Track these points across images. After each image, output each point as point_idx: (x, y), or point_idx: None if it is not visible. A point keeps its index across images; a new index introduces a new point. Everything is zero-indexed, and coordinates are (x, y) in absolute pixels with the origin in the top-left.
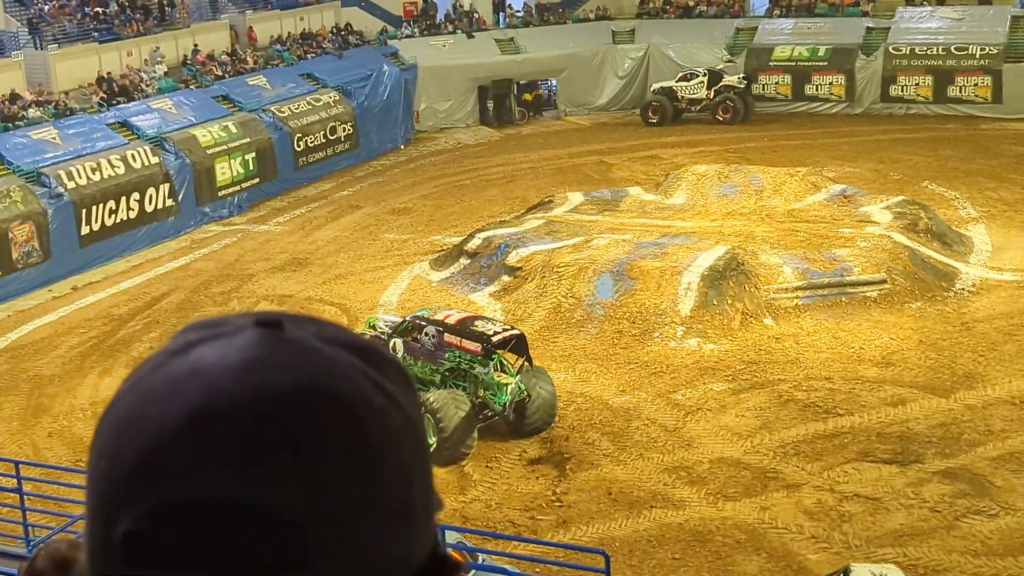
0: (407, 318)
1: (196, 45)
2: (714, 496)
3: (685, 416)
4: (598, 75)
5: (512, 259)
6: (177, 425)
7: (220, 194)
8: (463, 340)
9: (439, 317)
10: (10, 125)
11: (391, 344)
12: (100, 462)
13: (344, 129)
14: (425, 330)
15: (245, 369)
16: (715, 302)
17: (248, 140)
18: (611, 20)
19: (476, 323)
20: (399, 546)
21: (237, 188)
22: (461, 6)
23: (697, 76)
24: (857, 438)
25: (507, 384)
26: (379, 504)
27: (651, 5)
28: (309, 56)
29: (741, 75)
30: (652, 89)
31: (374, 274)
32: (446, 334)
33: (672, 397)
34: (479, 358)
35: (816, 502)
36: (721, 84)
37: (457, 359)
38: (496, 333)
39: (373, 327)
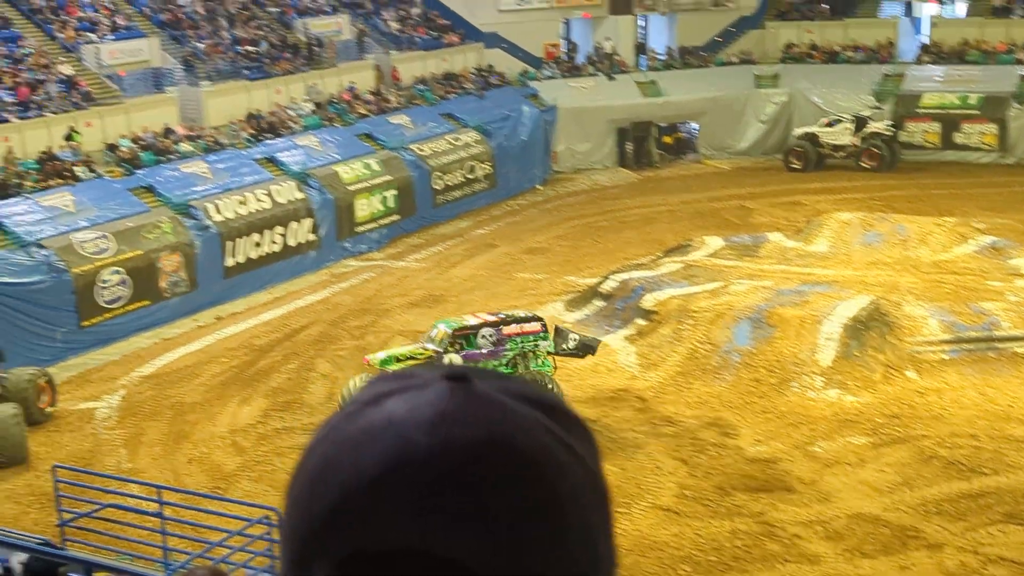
0: (431, 336)
1: (352, 83)
2: (851, 553)
3: (823, 469)
4: (740, 119)
5: (648, 303)
6: (370, 475)
7: (360, 230)
8: (523, 326)
9: (476, 322)
10: (163, 158)
11: (447, 359)
12: (296, 509)
13: (482, 168)
14: (481, 333)
15: (435, 422)
16: (856, 353)
17: (389, 177)
18: (754, 64)
19: (515, 313)
20: None
21: (376, 224)
22: (602, 48)
23: (842, 122)
24: (1003, 499)
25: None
26: (564, 560)
27: (796, 50)
28: (451, 96)
29: (888, 122)
30: (795, 134)
31: None
32: (504, 328)
33: (810, 449)
34: (540, 335)
35: (959, 564)
36: (867, 131)
37: (520, 344)
38: (534, 315)
39: (405, 358)
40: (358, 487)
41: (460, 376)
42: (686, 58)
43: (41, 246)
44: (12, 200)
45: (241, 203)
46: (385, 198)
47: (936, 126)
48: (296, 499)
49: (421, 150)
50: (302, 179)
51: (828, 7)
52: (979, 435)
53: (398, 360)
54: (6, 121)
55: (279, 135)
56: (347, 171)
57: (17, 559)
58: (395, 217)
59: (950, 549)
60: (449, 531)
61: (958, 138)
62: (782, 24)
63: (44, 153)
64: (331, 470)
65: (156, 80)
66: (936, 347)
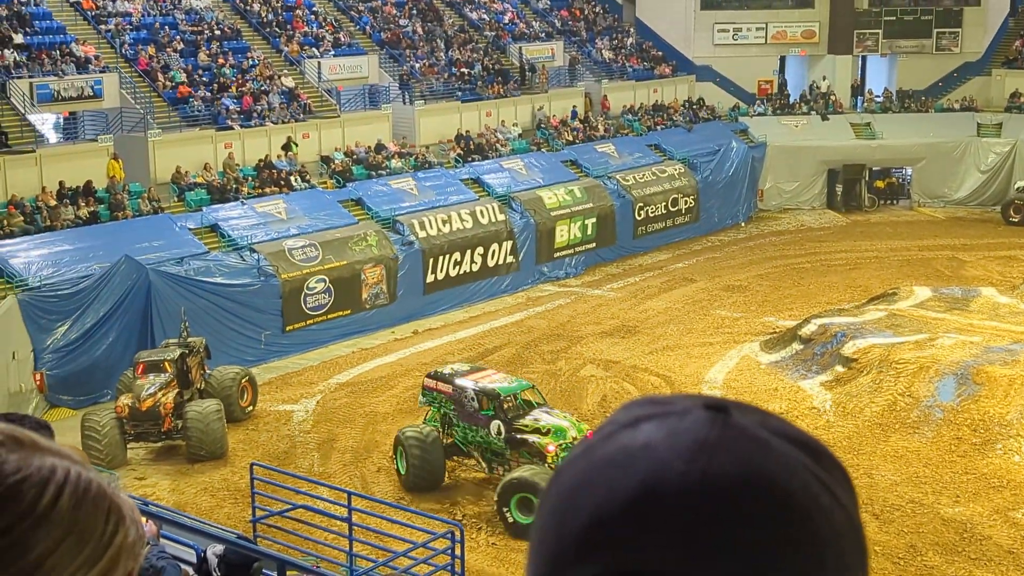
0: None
1: (575, 107)
2: None
3: None
4: (958, 167)
5: (848, 350)
6: (627, 496)
7: (559, 255)
8: None
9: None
10: (373, 173)
11: None
12: (550, 522)
13: (686, 202)
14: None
15: (695, 451)
16: None
17: (591, 205)
18: (977, 112)
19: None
20: None
21: (575, 251)
22: (818, 88)
23: None
24: None
25: None
26: None
27: (1022, 99)
28: (659, 127)
29: None
30: (1016, 187)
31: (702, 349)
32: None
33: (1012, 515)
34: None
35: None
36: None
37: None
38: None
39: None
40: (613, 507)
41: (720, 407)
42: (905, 101)
43: (253, 250)
44: (229, 204)
45: (445, 221)
46: (586, 225)
47: None
48: (549, 514)
49: (625, 180)
50: (505, 201)
51: None
52: None
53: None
54: (229, 128)
55: (486, 157)
56: (550, 196)
57: (213, 550)
58: (594, 245)
59: None
60: (701, 560)
61: None
62: (1008, 72)
63: (262, 161)
64: (587, 488)
65: (372, 96)
66: None
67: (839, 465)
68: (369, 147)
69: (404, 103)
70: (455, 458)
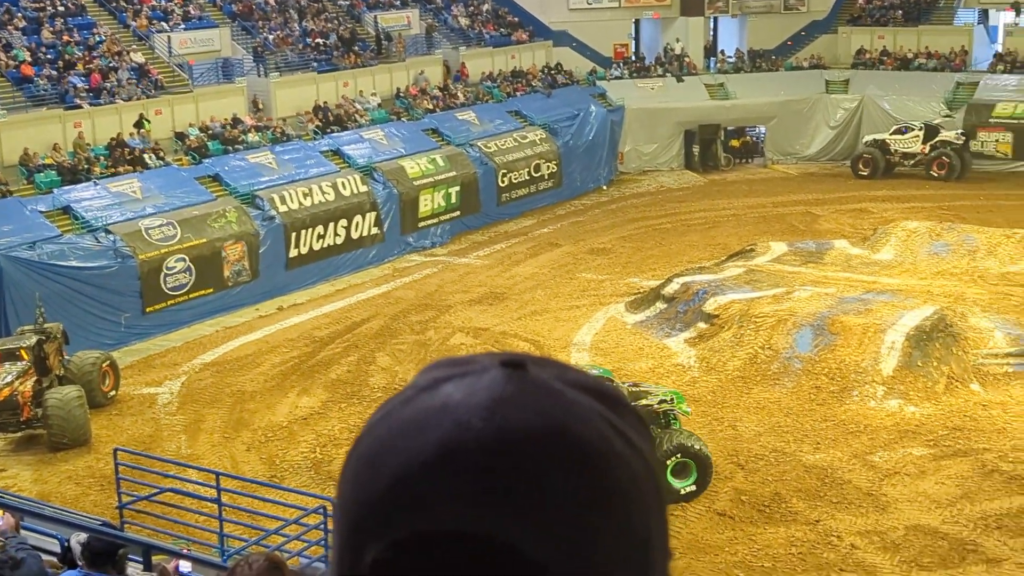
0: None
1: (422, 73)
2: (908, 564)
3: (882, 479)
4: (808, 124)
5: (710, 306)
6: (426, 458)
7: (423, 225)
8: None
9: None
10: (230, 148)
11: None
12: (350, 490)
13: (548, 167)
14: None
15: (491, 408)
16: (920, 363)
17: (454, 173)
18: (825, 69)
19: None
20: None
21: (440, 220)
22: (672, 50)
23: (912, 130)
24: None
25: None
26: (620, 550)
27: (868, 55)
28: (518, 94)
29: (959, 131)
30: (864, 141)
31: (570, 312)
32: None
33: (869, 458)
34: None
35: None
36: (937, 139)
37: None
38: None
39: None
40: (413, 470)
41: (517, 363)
42: (756, 61)
43: (109, 231)
44: (82, 185)
45: (306, 195)
46: (450, 194)
47: (1008, 136)
48: (350, 482)
49: (487, 147)
50: (367, 172)
51: (902, 13)
52: None
53: None
54: (78, 107)
55: (345, 128)
56: (412, 166)
57: (77, 539)
58: (459, 213)
59: (1009, 565)
60: (504, 515)
61: None
62: (854, 29)
63: (114, 140)
64: (386, 453)
65: (226, 70)
66: (1001, 360)
67: (634, 412)
68: (225, 122)
69: (259, 76)
70: None
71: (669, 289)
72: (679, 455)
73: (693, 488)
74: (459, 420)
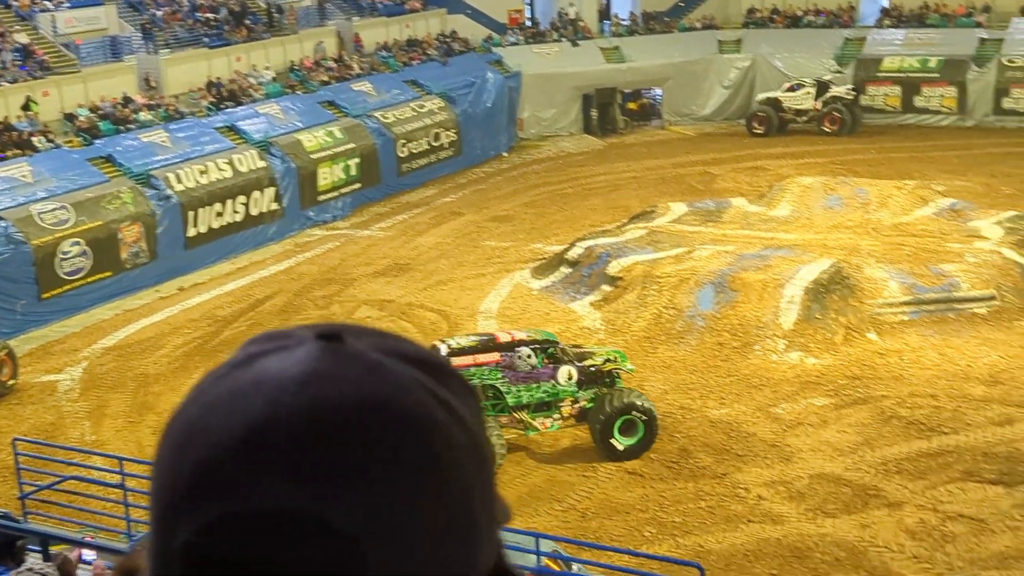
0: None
1: (321, 42)
2: (813, 512)
3: (785, 430)
4: (703, 85)
5: (613, 269)
6: (237, 437)
7: (323, 198)
8: (476, 357)
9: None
10: (122, 128)
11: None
12: (162, 472)
13: (447, 136)
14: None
15: (304, 382)
16: (818, 316)
17: (353, 145)
18: (717, 29)
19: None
20: (459, 561)
21: (340, 193)
22: (566, 14)
23: (804, 86)
24: (962, 457)
25: None
26: (438, 519)
27: (758, 14)
28: (414, 63)
29: (849, 86)
30: (758, 99)
31: (475, 281)
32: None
33: (772, 411)
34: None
35: (918, 521)
36: (828, 95)
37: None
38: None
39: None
40: (223, 450)
41: (333, 334)
42: (650, 24)
43: (0, 218)
44: None
45: (202, 172)
46: (348, 166)
47: (896, 90)
48: (161, 464)
49: (385, 117)
50: (264, 148)
51: None
52: (938, 395)
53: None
54: None
55: (240, 103)
56: (310, 139)
57: None
58: (358, 186)
59: (910, 507)
60: (314, 491)
61: (918, 101)
62: None
63: (1, 123)
64: (197, 434)
65: (114, 48)
66: (896, 309)
67: (460, 379)
68: (115, 101)
69: (149, 53)
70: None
71: (573, 253)
72: (626, 413)
73: (641, 444)
74: (270, 396)
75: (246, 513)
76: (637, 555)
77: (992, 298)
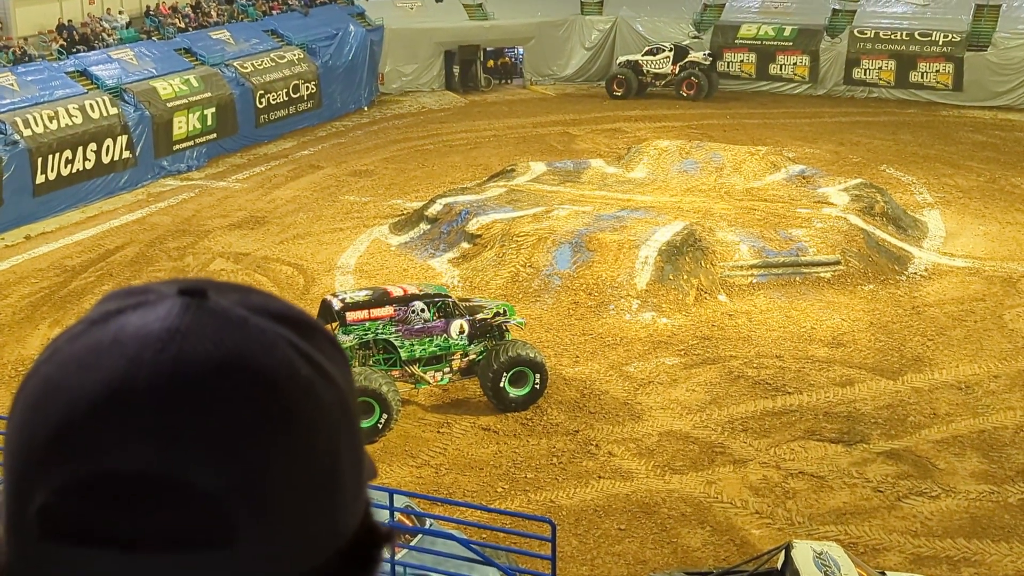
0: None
1: None
2: (662, 469)
3: (637, 389)
4: (565, 45)
5: (472, 226)
6: (94, 397)
7: (178, 148)
8: (371, 311)
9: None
10: None
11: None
12: (16, 435)
13: (307, 88)
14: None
15: (165, 340)
16: (671, 277)
17: (209, 95)
18: None
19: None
20: (325, 518)
21: (196, 143)
22: None
23: (663, 51)
24: (804, 416)
25: None
26: (303, 477)
27: None
28: (274, 12)
29: (706, 52)
30: (618, 62)
31: (333, 235)
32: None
33: (625, 369)
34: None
35: (762, 478)
36: (686, 60)
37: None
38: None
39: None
40: (81, 410)
41: (196, 291)
42: None
43: None
44: None
45: (52, 118)
46: (205, 116)
47: (752, 57)
48: (17, 423)
49: (243, 67)
50: (117, 94)
51: None
52: (784, 356)
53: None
54: None
55: (93, 48)
56: (165, 87)
57: None
58: (214, 136)
59: (754, 464)
60: (180, 453)
61: (772, 69)
62: None
63: None
64: (53, 393)
65: None
66: (746, 272)
67: (328, 336)
68: None
69: None
70: None
71: (432, 210)
72: (516, 366)
73: (531, 395)
74: (130, 354)
75: (106, 475)
76: (490, 511)
77: (837, 263)
